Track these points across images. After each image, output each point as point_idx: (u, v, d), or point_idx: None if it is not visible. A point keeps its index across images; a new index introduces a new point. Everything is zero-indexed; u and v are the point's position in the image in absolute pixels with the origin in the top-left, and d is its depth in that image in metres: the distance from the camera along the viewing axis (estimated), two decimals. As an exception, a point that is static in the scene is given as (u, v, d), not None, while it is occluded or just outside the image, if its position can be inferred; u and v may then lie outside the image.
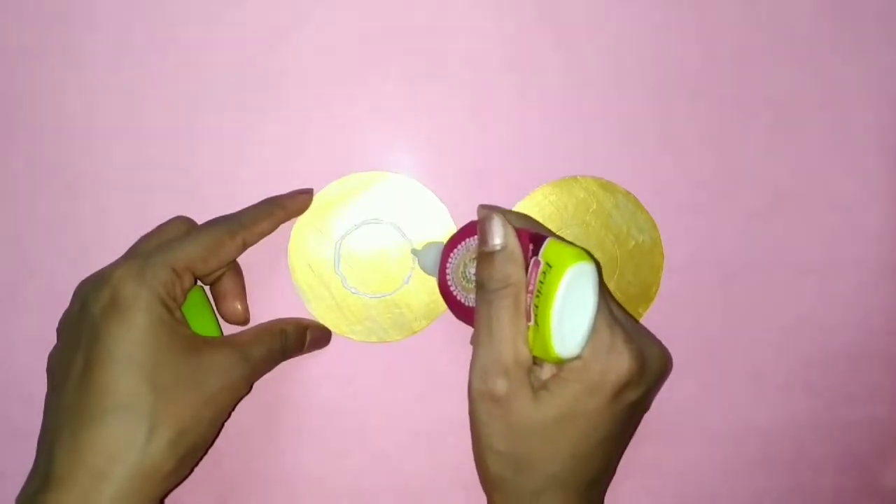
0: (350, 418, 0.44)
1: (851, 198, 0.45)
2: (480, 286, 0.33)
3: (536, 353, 0.32)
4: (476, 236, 0.35)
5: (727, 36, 0.44)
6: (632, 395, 0.33)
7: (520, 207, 0.43)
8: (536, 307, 0.31)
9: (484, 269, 0.33)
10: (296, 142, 0.43)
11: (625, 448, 0.38)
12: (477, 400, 0.33)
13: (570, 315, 0.30)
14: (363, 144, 0.43)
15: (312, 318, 0.43)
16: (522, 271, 0.33)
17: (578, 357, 0.31)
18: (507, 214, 0.36)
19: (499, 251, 0.33)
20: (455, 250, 0.37)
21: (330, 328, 0.43)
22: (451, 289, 0.38)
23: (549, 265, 0.31)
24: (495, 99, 0.43)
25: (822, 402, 0.45)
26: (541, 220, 0.43)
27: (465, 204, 0.43)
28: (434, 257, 0.39)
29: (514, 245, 0.33)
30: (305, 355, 0.43)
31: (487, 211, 0.35)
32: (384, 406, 0.44)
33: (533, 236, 0.33)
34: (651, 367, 0.33)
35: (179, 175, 0.43)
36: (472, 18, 0.43)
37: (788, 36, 0.44)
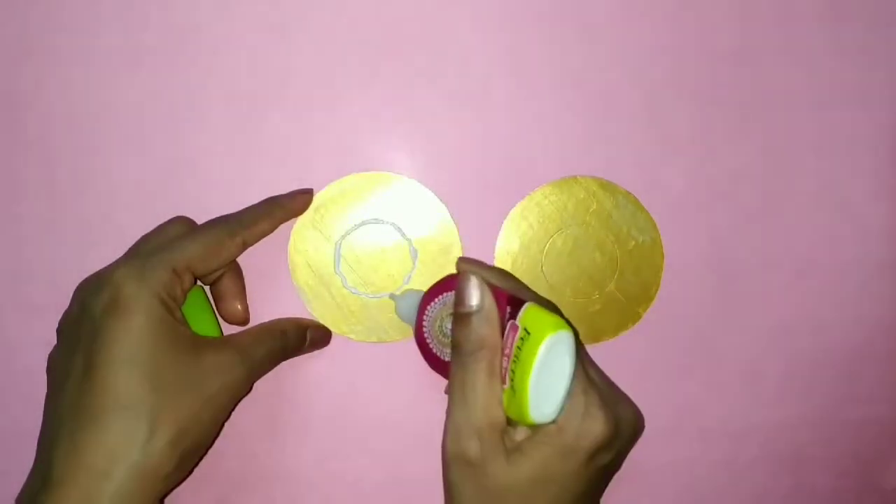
0: (350, 418, 0.44)
1: (851, 198, 0.45)
2: (456, 346, 0.33)
3: (511, 416, 0.32)
4: (453, 292, 0.35)
5: (727, 36, 0.44)
6: (605, 458, 0.33)
7: (520, 207, 0.43)
8: (513, 372, 0.31)
9: (459, 330, 0.33)
10: (296, 142, 0.43)
11: None
12: (450, 462, 0.33)
13: (547, 381, 0.30)
14: (363, 144, 0.43)
15: (312, 318, 0.43)
16: (498, 334, 0.33)
17: (553, 421, 0.31)
18: (486, 272, 0.36)
19: (475, 313, 0.33)
20: (433, 303, 0.37)
21: (330, 328, 0.43)
22: (428, 342, 0.38)
23: (527, 331, 0.31)
24: (495, 99, 0.43)
25: (822, 401, 0.45)
26: (541, 221, 0.43)
27: (465, 204, 0.43)
28: (412, 306, 0.38)
29: (491, 307, 0.33)
30: (305, 355, 0.43)
31: (466, 268, 0.35)
32: (384, 406, 0.44)
33: (510, 299, 0.33)
34: (624, 431, 0.34)
35: (179, 175, 0.43)
36: (472, 19, 0.43)
37: (788, 36, 0.44)
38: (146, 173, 0.43)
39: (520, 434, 0.33)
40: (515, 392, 0.31)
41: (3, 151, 0.43)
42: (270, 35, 0.43)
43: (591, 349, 0.44)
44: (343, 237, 0.43)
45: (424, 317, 0.37)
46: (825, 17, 0.44)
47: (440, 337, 0.37)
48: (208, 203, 0.42)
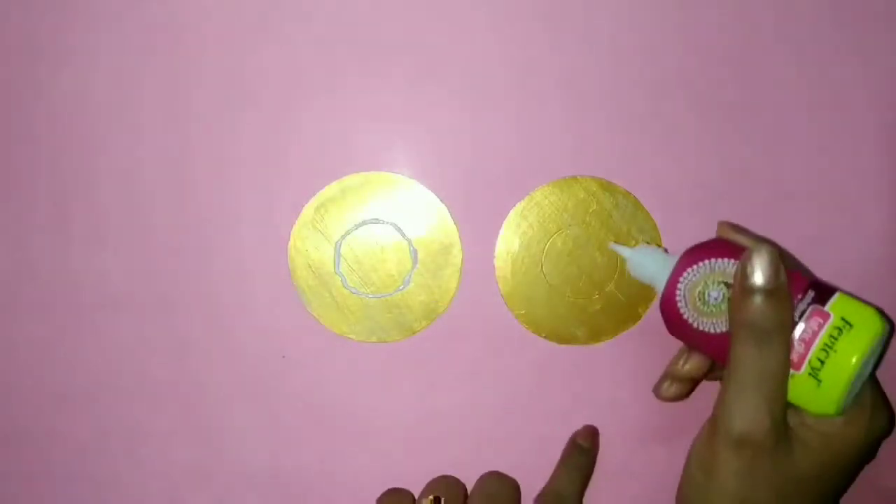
0: (350, 418, 0.44)
1: (851, 198, 0.45)
2: (748, 325, 0.31)
3: (800, 404, 0.31)
4: (724, 259, 0.33)
5: (727, 36, 0.44)
6: (874, 453, 0.33)
7: (520, 207, 0.43)
8: (821, 362, 0.30)
9: (751, 306, 0.31)
10: (296, 142, 0.43)
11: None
12: (733, 443, 0.31)
13: (859, 376, 0.30)
14: (363, 144, 0.43)
15: (316, 320, 0.43)
16: (793, 316, 0.31)
17: (841, 413, 0.31)
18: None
19: (770, 290, 0.31)
20: (695, 266, 0.34)
21: (330, 328, 0.43)
22: (679, 306, 0.34)
23: (846, 322, 0.30)
24: (495, 99, 0.43)
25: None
26: (540, 221, 0.43)
27: (465, 204, 0.43)
28: (657, 264, 0.36)
29: (787, 286, 0.31)
30: (305, 356, 0.43)
31: (757, 243, 0.33)
32: (384, 406, 0.44)
33: (814, 284, 0.32)
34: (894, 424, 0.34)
35: (179, 175, 0.43)
36: (473, 19, 0.43)
37: (788, 36, 0.44)
38: (145, 173, 0.43)
39: (793, 422, 0.32)
40: (822, 382, 0.30)
41: (3, 152, 0.43)
42: (270, 35, 0.43)
43: (591, 349, 0.44)
44: (343, 237, 0.43)
45: (681, 279, 0.34)
46: (825, 17, 0.44)
47: (698, 304, 0.34)
48: (208, 203, 0.42)
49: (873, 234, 0.45)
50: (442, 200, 0.43)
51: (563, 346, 0.44)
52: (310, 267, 0.43)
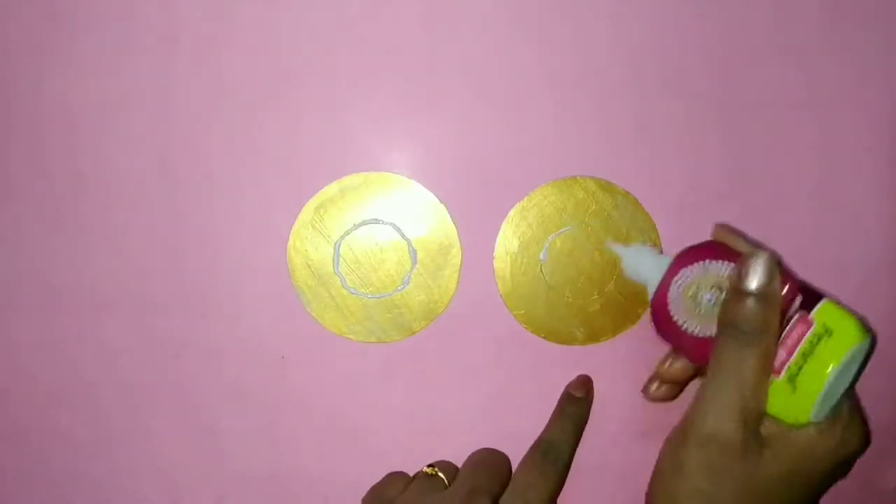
0: (350, 418, 0.44)
1: (851, 198, 0.44)
2: (733, 326, 0.31)
3: (772, 410, 0.31)
4: (719, 261, 0.33)
5: (727, 36, 0.44)
6: (845, 470, 0.33)
7: (520, 207, 0.43)
8: (799, 368, 0.30)
9: (741, 309, 0.31)
10: (295, 142, 0.43)
11: None
12: (701, 441, 0.32)
13: (835, 386, 0.30)
14: (363, 144, 0.43)
15: (315, 321, 0.43)
16: (779, 322, 0.31)
17: (816, 424, 0.31)
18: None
19: (763, 295, 0.31)
20: (688, 268, 0.34)
21: (329, 328, 0.43)
22: (670, 307, 0.34)
23: (827, 329, 0.30)
24: (494, 99, 0.43)
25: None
26: (540, 221, 0.43)
27: (465, 204, 0.43)
28: (650, 265, 0.35)
29: (779, 291, 0.31)
30: (304, 356, 0.43)
31: (754, 248, 0.33)
32: (384, 406, 0.44)
33: (804, 289, 0.32)
34: (867, 446, 0.34)
35: (178, 175, 0.43)
36: (472, 19, 0.43)
37: (787, 36, 0.44)
38: (146, 173, 0.43)
39: (767, 427, 0.32)
40: (798, 388, 0.30)
41: (3, 152, 0.43)
42: (270, 35, 0.43)
43: (590, 349, 0.44)
44: (342, 237, 0.43)
45: (674, 280, 0.34)
46: (825, 17, 0.44)
47: (689, 305, 0.34)
48: (208, 203, 0.42)
49: (873, 234, 0.45)
50: (441, 200, 0.43)
51: (563, 347, 0.44)
52: (309, 267, 0.43)
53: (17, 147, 0.43)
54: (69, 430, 0.43)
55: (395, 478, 0.40)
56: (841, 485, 0.46)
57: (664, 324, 0.35)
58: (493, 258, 0.43)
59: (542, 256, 0.42)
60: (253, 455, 0.43)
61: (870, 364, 0.45)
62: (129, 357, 0.43)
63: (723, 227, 0.36)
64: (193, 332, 0.43)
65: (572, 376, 0.44)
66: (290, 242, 0.43)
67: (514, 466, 0.41)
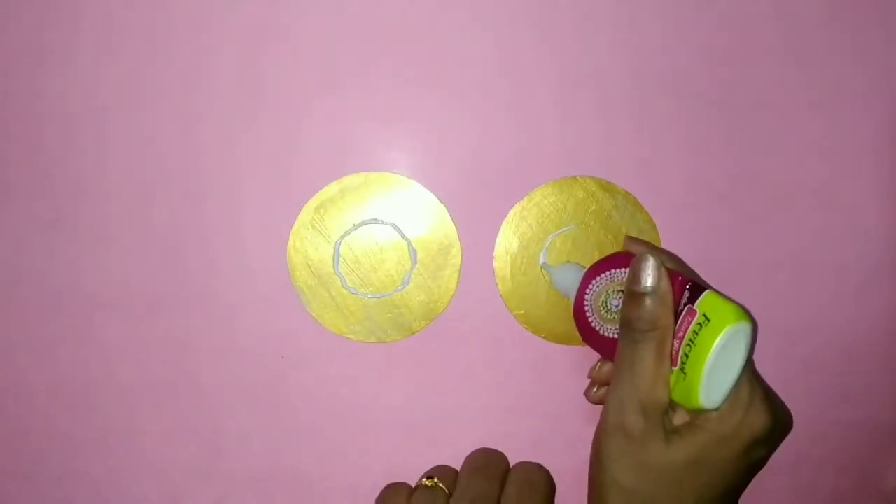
0: (350, 418, 0.44)
1: (851, 198, 0.44)
2: (627, 324, 0.34)
3: (675, 398, 0.33)
4: (623, 269, 0.36)
5: (727, 37, 0.44)
6: (760, 452, 0.34)
7: (520, 207, 0.43)
8: (686, 355, 0.32)
9: (633, 309, 0.34)
10: (296, 142, 0.43)
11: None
12: (609, 433, 0.34)
13: (720, 369, 0.31)
14: (363, 144, 0.43)
15: (315, 321, 0.43)
16: (671, 316, 0.33)
17: (717, 409, 0.32)
18: (659, 254, 0.36)
19: (650, 293, 0.33)
20: (598, 278, 0.37)
21: (329, 328, 0.43)
22: (588, 315, 0.38)
23: (706, 317, 0.32)
24: (495, 100, 0.43)
25: (821, 402, 0.45)
26: (540, 221, 0.43)
27: (465, 204, 0.43)
28: (572, 278, 0.39)
29: (667, 289, 0.33)
30: (304, 356, 0.43)
31: (643, 250, 0.35)
32: (384, 406, 0.44)
33: (690, 284, 0.34)
34: (780, 428, 0.34)
35: (179, 175, 0.43)
36: (472, 20, 0.43)
37: (788, 36, 0.44)
38: (146, 173, 0.43)
39: (678, 418, 0.34)
40: (687, 375, 0.32)
41: (3, 152, 0.43)
42: (270, 35, 0.43)
43: (589, 349, 0.44)
44: (342, 237, 0.43)
45: (587, 290, 0.37)
46: (824, 18, 0.44)
47: (602, 312, 0.37)
48: (208, 203, 0.42)
49: (873, 234, 0.45)
50: (441, 201, 0.43)
51: (562, 346, 0.44)
52: (309, 267, 0.43)
53: (18, 147, 0.43)
54: (69, 430, 0.43)
55: (396, 491, 0.40)
56: (841, 485, 0.46)
57: (586, 330, 0.38)
58: (492, 258, 0.43)
59: (542, 256, 0.42)
60: (253, 455, 0.43)
61: (869, 363, 0.45)
62: (128, 357, 0.43)
63: (632, 239, 0.39)
64: (193, 332, 0.43)
65: (572, 376, 0.44)
66: (291, 242, 0.43)
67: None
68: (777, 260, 0.44)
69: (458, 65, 0.43)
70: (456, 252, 0.43)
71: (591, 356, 0.44)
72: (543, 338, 0.43)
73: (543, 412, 0.43)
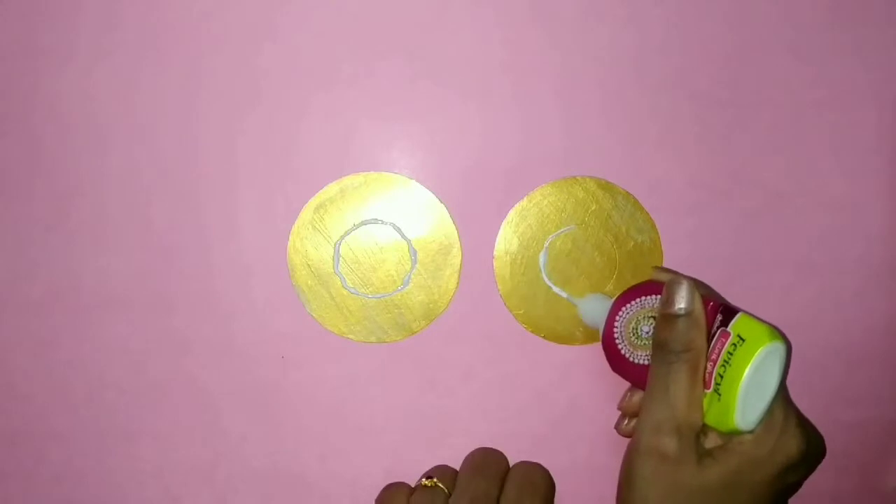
0: (350, 418, 0.44)
1: (851, 198, 0.44)
2: (661, 346, 0.34)
3: (709, 421, 0.33)
4: (653, 296, 0.36)
5: (726, 36, 0.44)
6: (793, 477, 0.34)
7: (520, 207, 0.43)
8: (721, 377, 0.32)
9: (667, 331, 0.34)
10: (295, 141, 0.43)
11: None
12: (643, 453, 0.33)
13: (755, 390, 0.31)
14: (363, 144, 0.43)
15: (315, 321, 0.43)
16: (705, 338, 0.34)
17: (751, 432, 0.32)
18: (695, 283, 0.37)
19: (684, 315, 0.34)
20: (628, 305, 0.38)
21: (329, 328, 0.43)
22: (617, 342, 0.38)
23: (741, 338, 0.32)
24: (495, 99, 0.43)
25: (822, 401, 0.45)
26: (540, 221, 0.43)
27: (465, 204, 0.43)
28: (600, 308, 0.39)
29: (700, 311, 0.34)
30: (304, 356, 0.43)
31: (676, 276, 0.36)
32: (383, 406, 0.44)
33: (722, 308, 0.34)
34: (814, 453, 0.34)
35: (178, 175, 0.43)
36: (472, 19, 0.43)
37: (789, 36, 0.44)
38: (145, 173, 0.43)
39: (710, 441, 0.34)
40: (721, 396, 0.32)
41: (4, 152, 0.43)
42: (270, 34, 0.43)
43: (589, 349, 0.44)
44: (342, 237, 0.43)
45: (617, 317, 0.38)
46: (825, 18, 0.44)
47: (632, 338, 0.38)
48: (208, 203, 0.42)
49: (873, 234, 0.45)
50: (441, 200, 0.43)
51: (563, 346, 0.44)
52: (309, 267, 0.43)
53: (18, 147, 0.43)
54: (69, 430, 0.43)
55: (396, 491, 0.40)
56: (841, 484, 0.46)
57: (615, 358, 0.38)
58: (492, 258, 0.43)
59: (541, 256, 0.42)
60: (253, 455, 0.43)
61: (869, 363, 0.45)
62: (128, 357, 0.43)
63: (660, 269, 0.40)
64: (193, 332, 0.43)
65: (572, 376, 0.44)
66: (291, 242, 0.43)
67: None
68: (777, 260, 0.44)
69: (459, 65, 0.43)
70: (456, 252, 0.43)
71: (591, 356, 0.44)
72: (543, 337, 0.43)
73: (543, 412, 0.43)
